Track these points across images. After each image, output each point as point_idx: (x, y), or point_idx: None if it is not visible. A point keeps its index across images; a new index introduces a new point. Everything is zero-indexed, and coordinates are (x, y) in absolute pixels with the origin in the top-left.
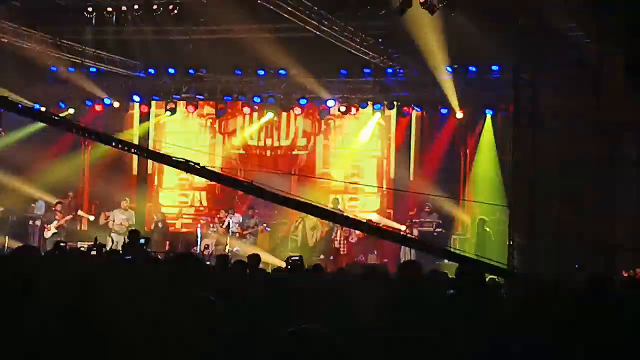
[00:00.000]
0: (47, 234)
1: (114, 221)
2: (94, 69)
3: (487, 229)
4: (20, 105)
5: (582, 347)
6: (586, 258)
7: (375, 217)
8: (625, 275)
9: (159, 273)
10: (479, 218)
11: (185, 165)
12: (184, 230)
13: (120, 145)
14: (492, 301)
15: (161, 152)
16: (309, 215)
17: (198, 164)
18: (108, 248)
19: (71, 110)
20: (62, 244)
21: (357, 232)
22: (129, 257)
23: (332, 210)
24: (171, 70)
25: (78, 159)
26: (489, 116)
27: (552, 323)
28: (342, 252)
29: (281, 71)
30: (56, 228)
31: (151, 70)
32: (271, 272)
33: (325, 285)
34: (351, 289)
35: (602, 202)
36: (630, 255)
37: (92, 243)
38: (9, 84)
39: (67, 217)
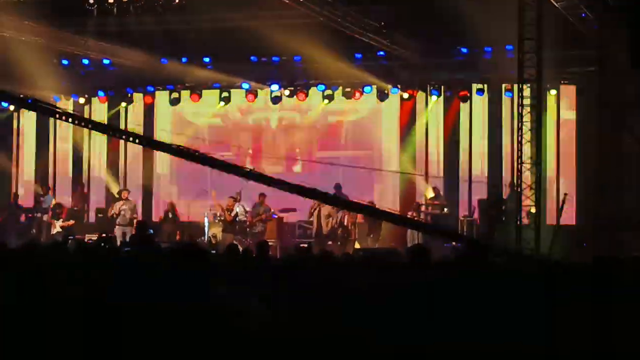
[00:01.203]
0: (53, 231)
1: (117, 213)
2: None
3: (495, 210)
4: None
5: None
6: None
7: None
8: None
9: (164, 265)
10: (484, 199)
11: (183, 153)
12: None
13: (117, 134)
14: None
15: (159, 140)
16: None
17: (196, 151)
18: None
19: (81, 100)
20: (70, 238)
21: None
22: (128, 249)
23: (335, 195)
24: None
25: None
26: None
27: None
28: (352, 238)
29: (284, 58)
30: (61, 227)
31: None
32: (279, 259)
33: (333, 271)
34: (359, 274)
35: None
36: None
37: (101, 236)
38: (14, 77)
39: (69, 222)
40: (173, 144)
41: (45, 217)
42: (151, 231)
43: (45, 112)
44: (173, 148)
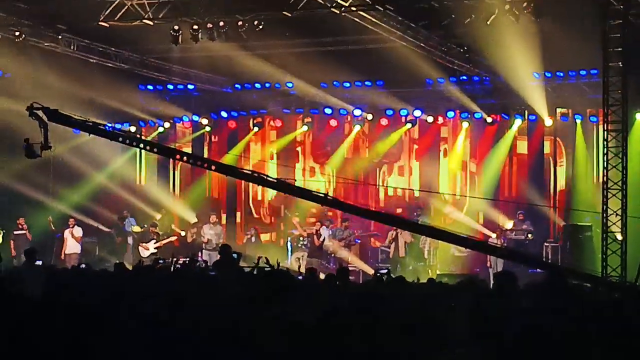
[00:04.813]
0: (145, 253)
1: (203, 237)
2: (181, 87)
3: (580, 236)
4: (72, 119)
5: None
6: None
7: (461, 217)
8: None
9: (246, 290)
10: (570, 225)
11: (255, 178)
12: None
13: (183, 158)
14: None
15: (229, 164)
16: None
17: (269, 176)
18: (202, 264)
19: (160, 129)
20: (161, 261)
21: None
22: (213, 274)
23: (410, 220)
24: (257, 85)
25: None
26: (579, 122)
27: None
28: (431, 263)
29: (367, 83)
30: (155, 248)
31: (238, 86)
32: (359, 285)
33: (415, 297)
34: (442, 300)
35: None
36: None
37: (186, 259)
38: (98, 104)
39: (171, 239)
40: (247, 170)
41: (129, 240)
42: (235, 255)
43: (112, 137)
44: (243, 173)
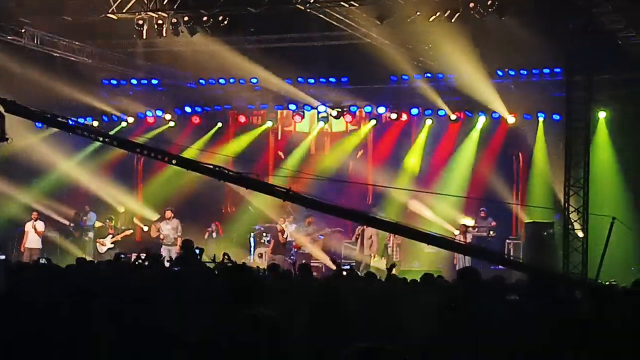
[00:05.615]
0: (102, 249)
1: (161, 233)
2: (145, 81)
3: (544, 233)
4: (30, 110)
5: None
6: None
7: (415, 204)
8: None
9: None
10: (532, 222)
11: (216, 172)
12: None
13: (144, 152)
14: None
15: (191, 159)
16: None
17: (231, 171)
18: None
19: (123, 123)
20: (122, 256)
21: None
22: (177, 269)
23: (371, 215)
24: (222, 81)
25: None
26: (541, 119)
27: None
28: (395, 259)
29: (332, 79)
30: (112, 243)
31: (202, 81)
32: (321, 280)
33: (377, 292)
34: (404, 296)
35: None
36: None
37: (146, 255)
38: (62, 97)
39: (126, 232)
40: (208, 164)
41: (90, 235)
42: (197, 250)
43: (72, 129)
44: (204, 167)
